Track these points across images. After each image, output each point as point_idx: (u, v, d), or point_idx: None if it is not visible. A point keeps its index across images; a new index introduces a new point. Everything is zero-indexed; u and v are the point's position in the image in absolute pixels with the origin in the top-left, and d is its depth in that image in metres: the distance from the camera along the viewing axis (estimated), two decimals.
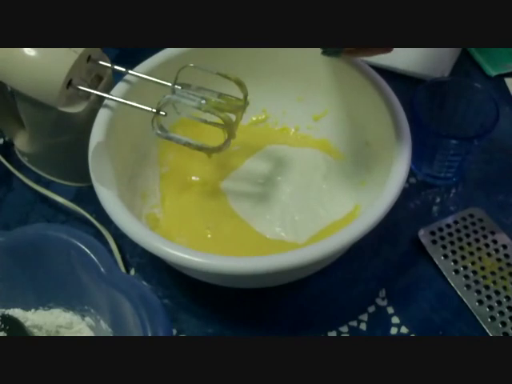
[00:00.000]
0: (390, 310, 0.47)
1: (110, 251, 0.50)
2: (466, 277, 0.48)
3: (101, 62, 0.48)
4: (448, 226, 0.51)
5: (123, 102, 0.46)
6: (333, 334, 0.46)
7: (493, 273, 0.48)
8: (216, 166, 0.54)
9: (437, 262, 0.49)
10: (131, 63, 0.50)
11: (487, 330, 0.45)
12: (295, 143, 0.56)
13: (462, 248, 0.50)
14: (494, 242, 0.50)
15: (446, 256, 0.49)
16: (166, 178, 0.53)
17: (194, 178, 0.54)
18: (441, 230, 0.51)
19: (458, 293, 0.47)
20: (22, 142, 0.55)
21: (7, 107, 0.52)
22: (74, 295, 0.40)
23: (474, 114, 0.52)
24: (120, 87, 0.49)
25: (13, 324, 0.39)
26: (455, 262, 0.49)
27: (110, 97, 0.47)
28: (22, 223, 0.40)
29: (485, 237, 0.50)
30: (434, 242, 0.50)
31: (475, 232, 0.51)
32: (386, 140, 0.47)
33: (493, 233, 0.50)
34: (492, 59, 0.63)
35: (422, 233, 0.51)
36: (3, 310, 0.40)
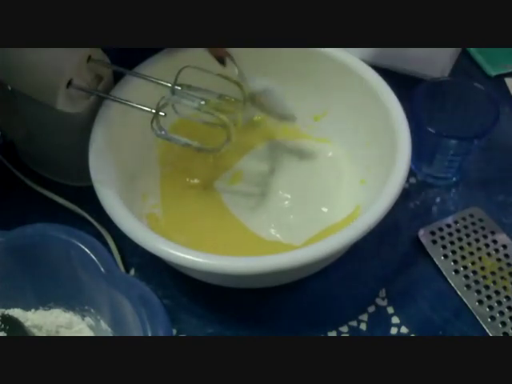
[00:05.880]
0: (390, 310, 0.47)
1: (110, 251, 0.50)
2: (466, 277, 0.48)
3: (101, 62, 0.48)
4: (448, 225, 0.51)
5: (123, 102, 0.46)
6: (333, 334, 0.46)
7: (493, 273, 0.48)
8: (215, 166, 0.54)
9: (437, 262, 0.49)
10: (131, 63, 0.50)
11: (487, 330, 0.45)
12: (295, 143, 0.56)
13: (462, 248, 0.50)
14: (494, 241, 0.50)
15: (446, 256, 0.49)
16: (165, 178, 0.53)
17: (193, 177, 0.54)
18: (441, 229, 0.51)
19: (458, 293, 0.47)
20: (22, 142, 0.55)
21: (8, 107, 0.52)
22: (74, 295, 0.40)
23: (474, 113, 0.52)
24: (120, 87, 0.49)
25: (13, 324, 0.39)
26: (455, 261, 0.49)
27: (110, 97, 0.47)
28: (22, 223, 0.40)
29: (485, 237, 0.50)
30: (434, 242, 0.50)
31: (475, 232, 0.51)
32: (386, 140, 0.47)
33: (493, 233, 0.50)
34: (492, 59, 0.63)
35: (421, 233, 0.51)
36: (3, 309, 0.40)
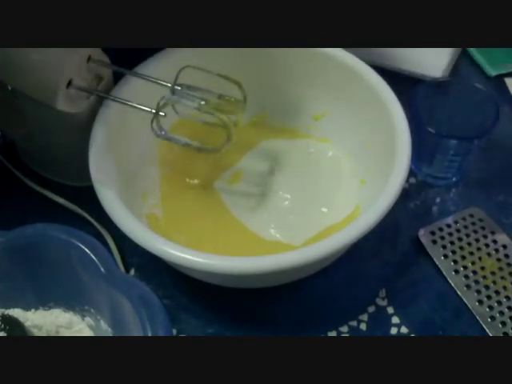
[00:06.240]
0: (390, 310, 0.47)
1: (110, 251, 0.50)
2: (466, 277, 0.48)
3: (101, 62, 0.48)
4: (448, 225, 0.51)
5: (123, 102, 0.46)
6: (333, 334, 0.46)
7: (493, 273, 0.48)
8: (215, 166, 0.54)
9: (437, 262, 0.49)
10: (131, 63, 0.50)
11: (487, 330, 0.45)
12: (295, 143, 0.56)
13: (462, 248, 0.50)
14: (494, 241, 0.50)
15: (446, 256, 0.49)
16: (165, 178, 0.53)
17: (193, 177, 0.54)
18: (441, 229, 0.51)
19: (458, 293, 0.47)
20: (22, 142, 0.55)
21: (8, 106, 0.52)
22: (74, 295, 0.40)
23: (474, 114, 0.52)
24: (120, 87, 0.49)
25: (13, 324, 0.39)
26: (455, 262, 0.49)
27: (110, 97, 0.47)
28: (22, 223, 0.40)
29: (485, 237, 0.50)
30: (434, 242, 0.50)
31: (475, 232, 0.51)
32: (386, 140, 0.47)
33: (493, 233, 0.50)
34: (492, 59, 0.63)
35: (421, 233, 0.51)
36: (3, 309, 0.40)
